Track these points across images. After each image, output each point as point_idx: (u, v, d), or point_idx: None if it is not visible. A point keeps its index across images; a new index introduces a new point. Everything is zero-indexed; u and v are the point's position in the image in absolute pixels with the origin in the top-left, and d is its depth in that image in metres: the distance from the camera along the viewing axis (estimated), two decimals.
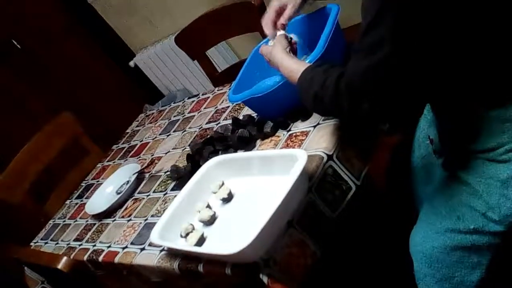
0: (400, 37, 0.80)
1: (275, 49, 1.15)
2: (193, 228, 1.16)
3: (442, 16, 0.79)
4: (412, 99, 0.92)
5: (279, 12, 1.22)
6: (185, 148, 1.54)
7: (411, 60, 0.82)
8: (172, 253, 1.17)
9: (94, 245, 1.45)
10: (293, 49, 1.19)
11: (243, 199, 1.17)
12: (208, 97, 1.73)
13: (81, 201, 1.80)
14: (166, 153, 1.62)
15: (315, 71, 0.99)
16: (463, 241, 0.98)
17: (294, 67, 1.07)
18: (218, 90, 1.73)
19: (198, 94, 1.82)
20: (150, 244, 1.26)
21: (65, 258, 1.36)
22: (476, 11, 0.80)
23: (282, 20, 1.21)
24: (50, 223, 1.80)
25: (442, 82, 0.89)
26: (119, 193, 1.58)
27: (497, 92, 0.88)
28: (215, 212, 1.17)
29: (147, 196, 1.48)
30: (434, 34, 0.80)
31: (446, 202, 1.01)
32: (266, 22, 1.23)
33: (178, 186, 1.37)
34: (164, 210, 1.28)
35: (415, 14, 0.78)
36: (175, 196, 1.25)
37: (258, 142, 1.30)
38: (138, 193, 1.53)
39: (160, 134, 1.78)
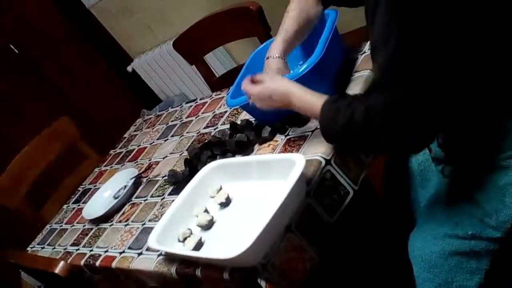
0: (420, 74, 0.81)
1: (273, 83, 1.10)
2: (191, 233, 1.16)
3: (455, 41, 0.80)
4: (438, 117, 0.91)
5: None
6: (183, 153, 1.54)
7: (432, 89, 0.83)
8: (170, 258, 1.17)
9: (91, 250, 1.44)
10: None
11: (241, 203, 1.17)
12: (206, 102, 1.73)
13: (78, 205, 1.79)
14: (163, 158, 1.62)
15: (337, 105, 0.95)
16: (461, 246, 0.98)
17: (310, 100, 1.03)
18: (216, 95, 1.73)
19: (196, 99, 1.82)
20: (148, 249, 1.25)
21: (62, 262, 1.36)
22: (487, 24, 0.81)
23: None
24: (47, 228, 1.80)
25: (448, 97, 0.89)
26: (116, 198, 1.57)
27: (495, 100, 0.89)
28: (213, 217, 1.17)
29: (145, 200, 1.47)
30: (451, 60, 0.81)
31: (444, 208, 1.01)
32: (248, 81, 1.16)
33: (176, 191, 1.37)
34: (161, 215, 1.27)
35: (430, 45, 0.79)
36: (173, 200, 1.24)
37: (256, 146, 1.30)
38: (136, 197, 1.53)
39: (157, 139, 1.78)
